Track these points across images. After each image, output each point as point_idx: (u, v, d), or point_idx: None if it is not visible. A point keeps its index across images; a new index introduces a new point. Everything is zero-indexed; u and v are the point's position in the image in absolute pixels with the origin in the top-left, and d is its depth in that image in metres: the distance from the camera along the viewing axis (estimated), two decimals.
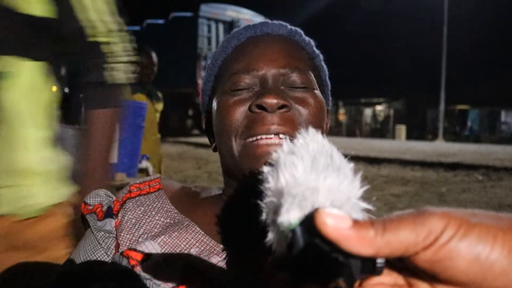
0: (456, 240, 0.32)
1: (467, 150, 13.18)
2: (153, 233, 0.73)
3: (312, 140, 0.42)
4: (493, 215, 0.34)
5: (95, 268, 0.73)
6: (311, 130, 0.43)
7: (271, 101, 0.69)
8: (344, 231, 0.33)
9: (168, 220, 0.76)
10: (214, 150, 0.83)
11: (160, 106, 4.13)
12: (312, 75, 0.78)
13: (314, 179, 0.37)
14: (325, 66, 0.85)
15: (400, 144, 16.42)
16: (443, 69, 22.44)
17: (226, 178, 0.80)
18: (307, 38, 0.83)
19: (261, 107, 0.70)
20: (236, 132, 0.73)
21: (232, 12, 20.09)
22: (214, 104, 0.78)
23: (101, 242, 0.76)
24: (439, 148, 14.44)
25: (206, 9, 19.55)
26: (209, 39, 19.76)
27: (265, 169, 0.41)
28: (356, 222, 0.34)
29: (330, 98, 0.87)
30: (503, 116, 27.31)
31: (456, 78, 24.93)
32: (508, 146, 16.53)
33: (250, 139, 0.71)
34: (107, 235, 0.77)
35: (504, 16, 28.53)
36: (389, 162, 10.68)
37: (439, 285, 0.35)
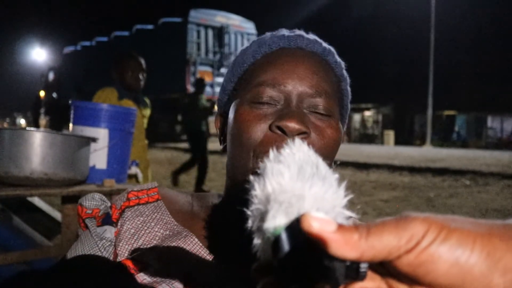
0: (437, 244, 0.33)
1: (454, 156, 13.32)
2: (151, 245, 0.73)
3: (299, 150, 0.43)
4: (472, 221, 0.35)
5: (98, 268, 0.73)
6: (297, 140, 0.45)
7: (293, 126, 0.68)
8: (330, 234, 0.34)
9: (167, 232, 0.75)
10: (223, 150, 0.81)
11: (147, 112, 4.11)
12: (336, 99, 0.77)
13: (300, 187, 0.38)
14: (349, 90, 0.84)
15: (388, 150, 16.54)
16: (430, 75, 22.69)
17: (229, 184, 0.79)
18: (338, 59, 0.81)
19: (281, 129, 0.69)
20: (254, 148, 0.71)
21: (222, 18, 20.13)
22: (234, 110, 0.76)
23: (102, 251, 0.75)
24: (427, 153, 14.57)
25: (195, 15, 19.56)
26: (198, 44, 19.76)
27: (252, 177, 0.41)
28: (341, 226, 0.35)
29: (346, 121, 0.86)
30: (490, 122, 27.68)
31: (444, 84, 25.21)
32: (495, 151, 16.74)
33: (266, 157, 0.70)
34: (108, 243, 0.76)
35: (491, 24, 28.98)
36: (377, 168, 10.75)
37: None
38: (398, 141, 23.23)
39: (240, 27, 20.11)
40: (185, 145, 16.38)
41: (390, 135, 23.26)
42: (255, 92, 0.73)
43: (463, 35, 29.24)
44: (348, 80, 0.83)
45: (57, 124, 15.57)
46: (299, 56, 0.76)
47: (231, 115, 0.77)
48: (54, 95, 19.45)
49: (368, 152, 13.36)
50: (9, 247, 2.82)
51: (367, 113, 31.01)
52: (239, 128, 0.73)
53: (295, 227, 0.35)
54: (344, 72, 0.82)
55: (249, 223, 0.41)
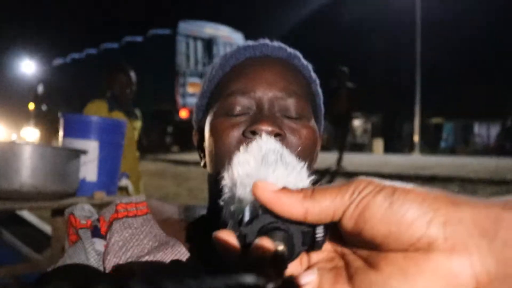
0: (373, 194, 0.35)
1: (443, 163, 13.43)
2: (139, 257, 0.72)
3: (265, 143, 0.47)
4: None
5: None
6: (264, 135, 0.49)
7: (266, 128, 0.68)
8: (274, 194, 0.37)
9: (156, 244, 0.75)
10: (204, 166, 0.82)
11: (138, 124, 4.12)
12: (308, 101, 0.78)
13: (264, 172, 0.41)
14: (320, 91, 0.85)
15: (378, 158, 16.62)
16: (417, 83, 22.92)
17: (212, 195, 0.80)
18: (305, 62, 0.83)
19: (255, 133, 0.69)
20: (229, 157, 0.71)
21: (210, 29, 20.19)
22: (208, 123, 0.77)
23: (94, 263, 0.75)
24: (416, 161, 14.67)
25: (184, 26, 19.60)
26: (187, 56, 19.78)
27: (223, 171, 0.45)
28: (285, 188, 0.38)
29: (322, 123, 0.87)
30: (476, 128, 27.98)
31: (431, 92, 25.50)
32: (482, 158, 16.91)
33: None
34: (99, 257, 0.75)
35: (477, 31, 29.44)
36: (367, 176, 10.80)
37: (371, 258, 0.37)
38: (387, 149, 23.36)
39: (229, 38, 20.18)
40: (176, 156, 16.33)
41: (379, 143, 23.38)
42: (227, 102, 0.75)
43: (449, 43, 29.65)
44: (318, 81, 0.85)
45: (46, 136, 15.43)
46: (266, 63, 0.78)
47: (206, 128, 0.78)
48: (44, 107, 19.32)
49: (358, 160, 13.43)
50: None
51: (356, 122, 31.21)
52: (214, 139, 0.74)
53: (257, 202, 0.38)
54: (313, 74, 0.84)
55: (223, 212, 0.44)
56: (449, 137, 28.43)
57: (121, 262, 0.72)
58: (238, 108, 0.74)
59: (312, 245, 0.39)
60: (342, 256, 0.41)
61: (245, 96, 0.74)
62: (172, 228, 0.80)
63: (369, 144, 26.59)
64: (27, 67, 31.59)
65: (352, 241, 0.39)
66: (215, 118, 0.76)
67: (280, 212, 0.37)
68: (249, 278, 0.34)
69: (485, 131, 27.93)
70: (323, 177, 9.01)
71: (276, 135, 0.70)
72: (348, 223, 0.36)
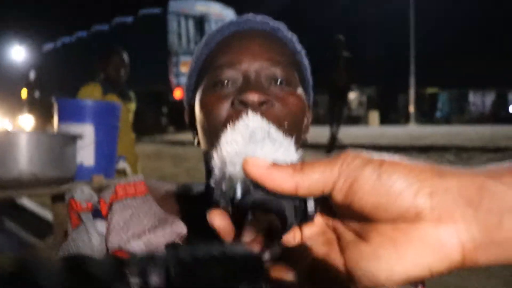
0: (361, 167, 0.36)
1: (438, 133, 13.48)
2: (140, 234, 0.74)
3: (252, 121, 0.47)
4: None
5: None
6: (250, 113, 0.49)
7: (253, 97, 0.70)
8: (264, 169, 0.38)
9: (156, 223, 0.76)
10: (198, 144, 0.83)
11: (132, 106, 4.11)
12: (294, 71, 0.79)
13: (252, 149, 0.42)
14: (307, 63, 0.86)
15: (374, 130, 16.67)
16: (411, 54, 22.83)
17: (208, 173, 0.81)
18: (289, 34, 0.84)
19: (243, 103, 0.71)
20: (220, 127, 0.72)
21: (202, 7, 19.90)
22: (197, 99, 0.78)
23: (97, 245, 0.76)
24: (411, 131, 14.72)
25: (174, 5, 19.31)
26: (179, 35, 19.54)
27: (212, 151, 0.45)
28: (275, 164, 0.39)
29: (311, 93, 0.88)
30: (471, 97, 28.01)
31: (425, 62, 25.40)
32: (477, 126, 16.98)
33: None
34: (101, 238, 0.77)
35: (471, 1, 29.13)
36: (363, 148, 10.86)
37: (362, 230, 0.38)
38: (383, 121, 23.41)
39: (220, 15, 19.91)
40: (172, 137, 16.31)
41: (374, 115, 23.40)
42: (213, 76, 0.76)
43: (442, 12, 29.36)
44: (304, 52, 0.86)
45: (41, 123, 15.37)
46: (251, 36, 0.79)
47: (196, 105, 0.79)
48: (37, 94, 19.17)
49: (354, 133, 13.47)
50: (1, 249, 2.83)
51: (352, 95, 31.15)
52: (204, 113, 0.76)
53: (247, 180, 0.39)
54: (298, 45, 0.85)
55: (214, 192, 0.45)
56: (444, 107, 28.48)
57: (122, 241, 0.73)
58: (225, 81, 0.75)
59: (304, 218, 0.40)
60: (334, 230, 0.42)
61: (231, 68, 0.75)
62: (171, 206, 0.81)
63: (364, 117, 26.62)
64: (17, 53, 31.20)
65: (343, 214, 0.40)
66: (203, 93, 0.77)
67: (271, 187, 0.38)
68: (245, 248, 0.35)
69: (480, 100, 27.97)
70: (329, 151, 8.95)
71: (264, 103, 0.71)
72: (338, 195, 0.37)
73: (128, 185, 0.83)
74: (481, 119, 23.95)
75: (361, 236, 0.38)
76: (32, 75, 23.05)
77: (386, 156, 0.37)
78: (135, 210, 0.79)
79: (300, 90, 0.79)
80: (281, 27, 0.84)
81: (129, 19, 21.32)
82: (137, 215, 0.77)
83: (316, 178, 0.37)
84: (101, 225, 0.78)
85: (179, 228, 0.74)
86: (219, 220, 0.40)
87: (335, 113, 9.39)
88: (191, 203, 0.82)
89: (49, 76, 23.50)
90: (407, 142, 10.86)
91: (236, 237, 0.40)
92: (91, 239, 0.76)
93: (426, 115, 26.46)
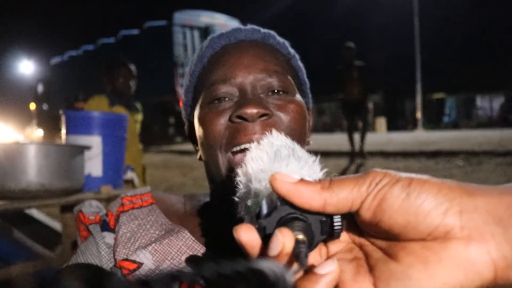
0: (390, 185, 0.36)
1: (446, 138, 13.39)
2: (147, 245, 0.74)
3: (276, 139, 0.48)
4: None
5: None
6: (274, 131, 0.49)
7: (251, 111, 0.69)
8: (292, 185, 0.38)
9: (162, 232, 0.76)
10: (200, 159, 0.83)
11: (139, 117, 4.13)
12: (290, 76, 0.79)
13: (278, 166, 0.42)
14: (302, 65, 0.86)
15: (381, 136, 16.60)
16: (417, 59, 22.77)
17: (212, 186, 0.81)
18: (281, 40, 0.84)
19: (241, 117, 0.70)
20: (220, 145, 0.73)
21: (206, 18, 20.06)
22: (196, 116, 0.78)
23: (105, 256, 0.76)
24: (419, 137, 14.64)
25: (180, 17, 19.49)
26: (185, 46, 19.70)
27: (237, 168, 0.46)
28: (303, 179, 0.39)
29: (310, 96, 0.87)
30: (479, 101, 27.84)
31: (431, 67, 25.31)
32: (486, 131, 16.85)
33: (234, 149, 0.71)
34: (110, 250, 0.77)
35: (475, 5, 29.10)
36: (371, 155, 10.81)
37: (390, 248, 0.38)
38: (390, 128, 23.30)
39: (225, 26, 20.02)
40: (179, 147, 16.36)
41: (381, 122, 23.32)
42: (210, 92, 0.75)
43: (447, 17, 29.34)
44: (298, 56, 0.85)
45: (49, 135, 15.49)
46: (242, 48, 0.79)
47: (195, 122, 0.79)
48: (45, 106, 19.34)
49: None
50: (11, 260, 2.84)
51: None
52: (203, 129, 0.75)
53: (274, 195, 0.39)
54: (291, 50, 0.84)
55: (238, 208, 0.45)
56: (452, 112, 28.32)
57: (130, 252, 0.73)
58: (221, 96, 0.75)
59: (331, 234, 0.39)
60: (361, 247, 0.42)
61: (226, 83, 0.75)
62: (177, 216, 0.82)
63: (371, 123, 26.53)
64: (26, 67, 31.56)
65: (370, 232, 0.40)
66: (201, 110, 0.77)
67: (298, 203, 0.38)
68: (271, 265, 0.34)
69: (488, 104, 27.78)
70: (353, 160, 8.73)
71: (263, 115, 0.71)
72: (366, 214, 0.37)
73: (134, 197, 0.84)
74: (489, 123, 23.76)
75: (390, 255, 0.38)
76: (40, 88, 23.29)
77: (414, 175, 0.37)
78: (141, 220, 0.79)
79: (298, 96, 0.78)
80: (272, 33, 0.84)
81: (135, 31, 21.53)
82: (144, 226, 0.78)
83: (345, 196, 0.37)
84: (109, 237, 0.78)
85: (185, 238, 0.74)
86: (246, 234, 0.39)
87: (353, 128, 8.71)
88: (197, 214, 0.82)
89: (57, 89, 23.73)
90: (416, 148, 10.80)
91: (261, 253, 0.39)
92: (100, 250, 0.77)
93: (434, 121, 26.32)
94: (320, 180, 0.39)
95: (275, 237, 0.36)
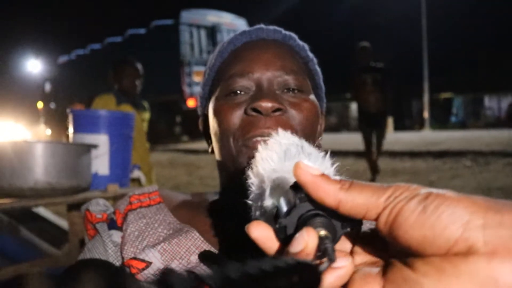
0: (407, 199, 0.35)
1: (454, 138, 13.32)
2: (155, 244, 0.74)
3: (283, 138, 0.47)
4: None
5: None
6: (281, 131, 0.49)
7: (266, 104, 0.70)
8: (313, 177, 0.38)
9: (170, 232, 0.76)
10: (212, 152, 0.84)
11: (146, 115, 4.14)
12: (306, 78, 0.80)
13: (289, 165, 0.42)
14: (319, 70, 0.87)
15: (388, 136, 16.55)
16: (425, 59, 22.66)
17: (223, 179, 0.81)
18: (301, 43, 0.85)
19: (256, 110, 0.71)
20: (233, 134, 0.74)
21: (213, 17, 20.07)
22: (211, 107, 0.79)
23: (112, 254, 0.77)
24: (426, 137, 14.58)
25: (186, 16, 19.51)
26: (191, 45, 19.72)
27: (247, 170, 0.45)
28: (325, 175, 0.38)
29: (325, 101, 0.89)
30: (487, 101, 27.66)
31: (439, 67, 25.18)
32: (493, 131, 16.73)
33: (247, 142, 0.72)
34: (117, 248, 0.77)
35: (482, 4, 28.90)
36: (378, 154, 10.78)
37: (409, 260, 0.36)
38: (397, 127, 23.21)
39: (232, 25, 20.06)
40: (186, 146, 16.40)
41: (388, 122, 23.23)
42: (227, 85, 0.77)
43: (454, 17, 29.17)
44: (315, 60, 0.86)
45: (57, 133, 15.60)
46: (263, 46, 0.80)
47: (210, 113, 0.80)
48: (52, 105, 19.46)
49: None
50: (18, 258, 2.85)
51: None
52: (218, 119, 0.76)
53: (290, 194, 0.39)
54: (309, 53, 0.86)
55: (252, 210, 0.44)
56: (459, 112, 28.15)
57: (138, 251, 0.73)
58: (238, 89, 0.76)
59: (352, 227, 0.39)
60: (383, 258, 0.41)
61: (244, 77, 0.76)
62: (185, 215, 0.81)
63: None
64: (33, 66, 31.77)
65: (391, 246, 0.38)
66: (216, 102, 0.78)
67: (313, 195, 0.38)
68: (299, 259, 0.34)
69: (496, 104, 27.58)
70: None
71: (277, 110, 0.72)
72: (383, 228, 0.36)
73: (142, 195, 0.84)
74: (497, 123, 23.59)
75: (406, 261, 0.36)
76: (47, 87, 23.45)
77: (435, 189, 0.36)
78: (149, 219, 0.79)
79: (312, 96, 0.79)
80: (293, 35, 0.85)
81: (142, 30, 21.59)
82: (151, 224, 0.78)
83: (360, 203, 0.37)
84: (116, 235, 0.79)
85: (194, 237, 0.74)
86: (259, 230, 0.39)
87: (370, 144, 7.30)
88: (204, 212, 0.82)
89: (64, 87, 23.86)
90: (423, 147, 10.75)
91: (279, 251, 0.39)
92: (106, 249, 0.77)
93: (441, 121, 26.19)
94: (341, 180, 0.38)
95: (300, 235, 0.36)
